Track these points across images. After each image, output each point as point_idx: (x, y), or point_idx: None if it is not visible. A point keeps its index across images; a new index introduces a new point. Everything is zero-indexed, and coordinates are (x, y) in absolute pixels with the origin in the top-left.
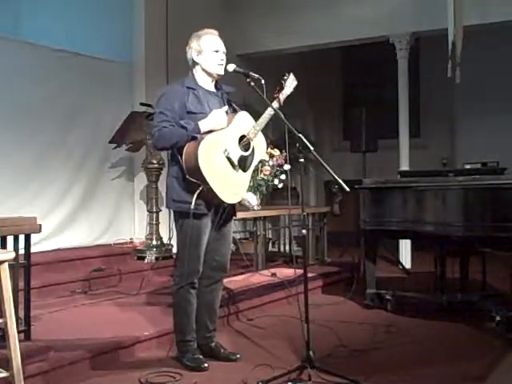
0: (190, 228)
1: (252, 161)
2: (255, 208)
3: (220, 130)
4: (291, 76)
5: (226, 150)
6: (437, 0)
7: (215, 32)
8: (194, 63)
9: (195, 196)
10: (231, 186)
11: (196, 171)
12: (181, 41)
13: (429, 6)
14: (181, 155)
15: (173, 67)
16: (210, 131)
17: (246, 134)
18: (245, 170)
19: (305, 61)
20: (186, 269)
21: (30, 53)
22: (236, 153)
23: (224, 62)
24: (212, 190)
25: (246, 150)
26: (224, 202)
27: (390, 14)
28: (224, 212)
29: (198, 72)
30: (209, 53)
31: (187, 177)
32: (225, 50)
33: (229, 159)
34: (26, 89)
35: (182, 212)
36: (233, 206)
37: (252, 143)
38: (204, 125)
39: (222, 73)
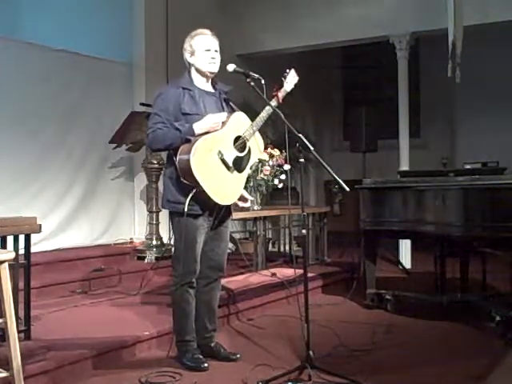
0: (185, 228)
1: (248, 161)
2: (249, 204)
3: (215, 131)
4: (292, 72)
5: (219, 152)
6: (437, 0)
7: (207, 32)
8: (189, 64)
9: (188, 198)
10: (225, 188)
11: (189, 174)
12: (181, 41)
13: (429, 6)
14: (176, 157)
15: (173, 67)
16: (205, 133)
17: (241, 135)
18: (240, 171)
19: (305, 61)
20: (182, 269)
21: (30, 53)
22: (231, 154)
23: (216, 61)
24: (205, 192)
25: (242, 151)
26: (219, 203)
27: (390, 14)
28: (220, 212)
29: (193, 72)
30: (200, 52)
31: (181, 179)
32: (217, 49)
33: (223, 161)
34: (26, 89)
35: (177, 212)
36: (229, 205)
37: (248, 143)
38: (198, 127)
39: (215, 70)
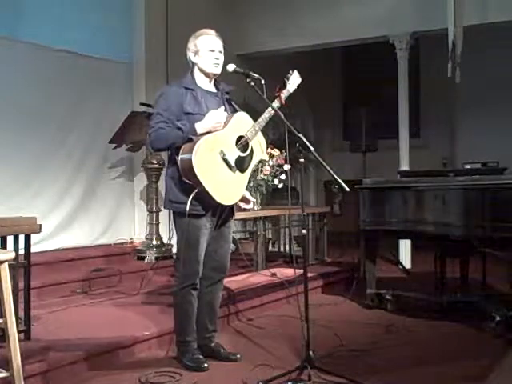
0: (188, 229)
1: (250, 161)
2: (251, 205)
3: (217, 131)
4: (295, 73)
5: (221, 152)
6: (437, 0)
7: (212, 32)
8: (192, 64)
9: (190, 198)
10: (227, 188)
11: (191, 174)
12: (181, 41)
13: (429, 6)
14: (178, 156)
15: (173, 67)
16: (207, 132)
17: (243, 135)
18: (242, 171)
19: (305, 61)
20: (186, 270)
21: (30, 53)
22: (233, 154)
23: (220, 62)
24: (207, 192)
25: (244, 151)
26: (221, 204)
27: (390, 14)
28: (223, 213)
29: (196, 72)
30: (205, 52)
31: (183, 179)
32: (221, 50)
33: (225, 161)
34: (26, 89)
35: (179, 213)
36: (231, 206)
37: (250, 143)
38: (200, 126)
39: (218, 72)
